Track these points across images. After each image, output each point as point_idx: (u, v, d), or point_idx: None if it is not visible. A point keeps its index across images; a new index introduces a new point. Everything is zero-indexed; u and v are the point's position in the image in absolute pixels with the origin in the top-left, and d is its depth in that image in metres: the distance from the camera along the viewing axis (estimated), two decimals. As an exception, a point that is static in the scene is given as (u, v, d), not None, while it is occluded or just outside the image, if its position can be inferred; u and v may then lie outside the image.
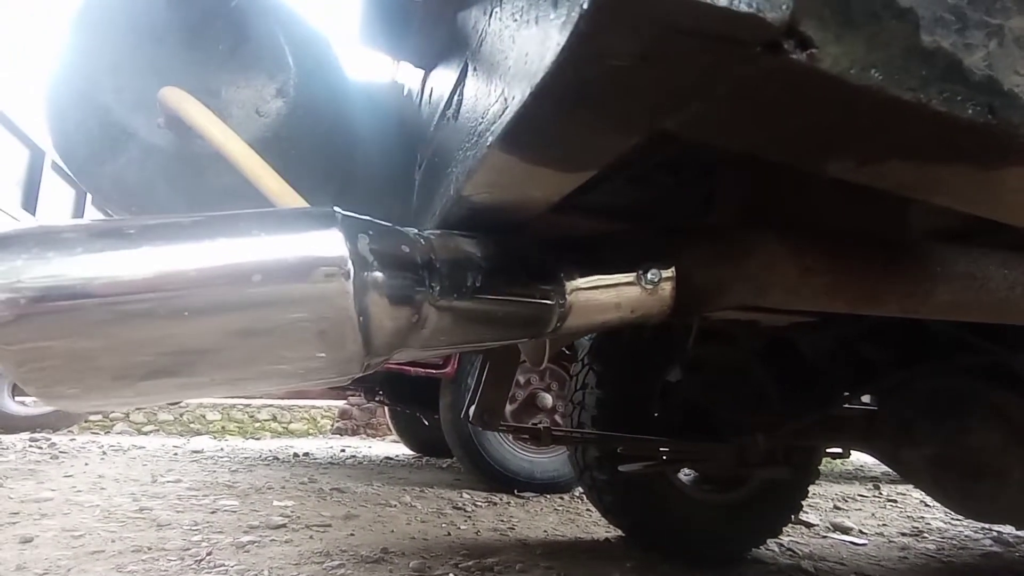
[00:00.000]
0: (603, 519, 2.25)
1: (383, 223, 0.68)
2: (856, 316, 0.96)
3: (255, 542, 1.95)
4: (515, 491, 3.22)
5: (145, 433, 7.35)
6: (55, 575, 1.57)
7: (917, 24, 0.48)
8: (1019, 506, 1.63)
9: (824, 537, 2.50)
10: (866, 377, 1.74)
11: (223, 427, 7.99)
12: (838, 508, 3.26)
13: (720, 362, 1.94)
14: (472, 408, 1.62)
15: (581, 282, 0.86)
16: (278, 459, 4.58)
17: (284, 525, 2.21)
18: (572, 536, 2.36)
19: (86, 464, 3.71)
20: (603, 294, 0.87)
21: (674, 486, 1.99)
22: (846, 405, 1.83)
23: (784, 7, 0.42)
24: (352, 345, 0.59)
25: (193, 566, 1.68)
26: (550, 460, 3.34)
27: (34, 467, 3.43)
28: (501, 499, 3.07)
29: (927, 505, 3.43)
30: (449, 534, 2.27)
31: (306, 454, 5.15)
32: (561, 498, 3.21)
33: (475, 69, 0.75)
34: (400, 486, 3.36)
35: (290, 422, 8.23)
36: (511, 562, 1.85)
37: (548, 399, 3.40)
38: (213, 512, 2.41)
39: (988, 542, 2.55)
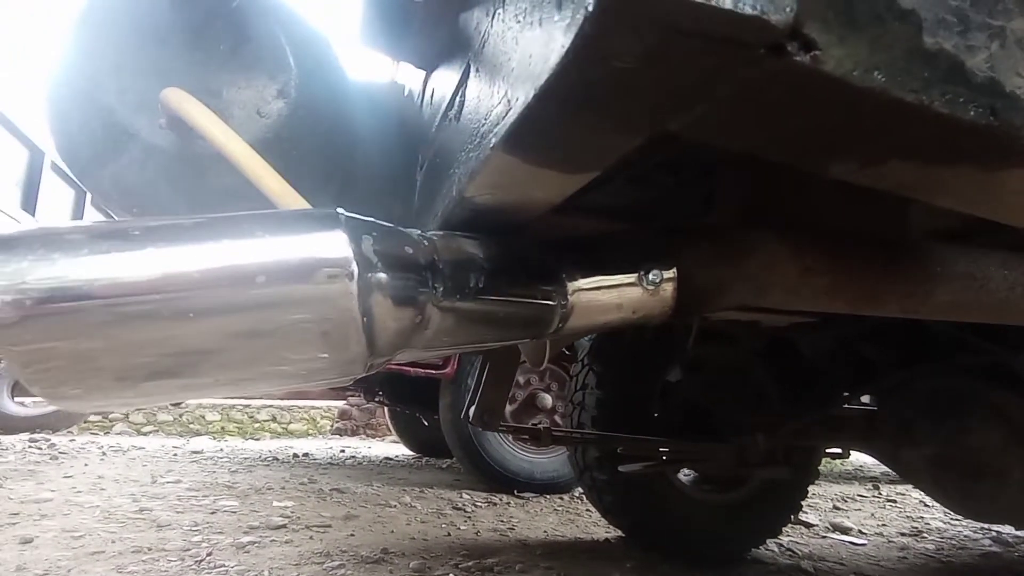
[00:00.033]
0: (603, 519, 2.26)
1: (386, 224, 0.68)
2: (856, 316, 0.96)
3: (255, 543, 1.95)
4: (515, 491, 3.23)
5: (144, 434, 7.34)
6: (55, 576, 1.57)
7: (920, 26, 0.49)
8: (1019, 506, 1.63)
9: (823, 537, 2.50)
10: (866, 377, 1.74)
11: (222, 428, 7.99)
12: (837, 508, 3.26)
13: (720, 362, 1.94)
14: (472, 408, 1.62)
15: (583, 283, 0.86)
16: (278, 460, 4.58)
17: (284, 526, 2.21)
18: (572, 536, 2.36)
19: (86, 465, 3.70)
20: (605, 295, 0.88)
21: (674, 486, 1.99)
22: (846, 405, 1.84)
23: (788, 9, 0.42)
24: (356, 346, 0.59)
25: (193, 567, 1.68)
26: (550, 460, 3.34)
27: (34, 468, 3.43)
28: (501, 499, 3.07)
29: (926, 505, 3.44)
30: (449, 534, 2.27)
31: (306, 454, 5.15)
32: (561, 498, 3.22)
33: (477, 70, 0.75)
34: (400, 486, 3.36)
35: (290, 423, 8.23)
36: (511, 562, 1.85)
37: (548, 399, 3.40)
38: (213, 513, 2.41)
39: (987, 542, 2.55)
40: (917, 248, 0.95)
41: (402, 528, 2.32)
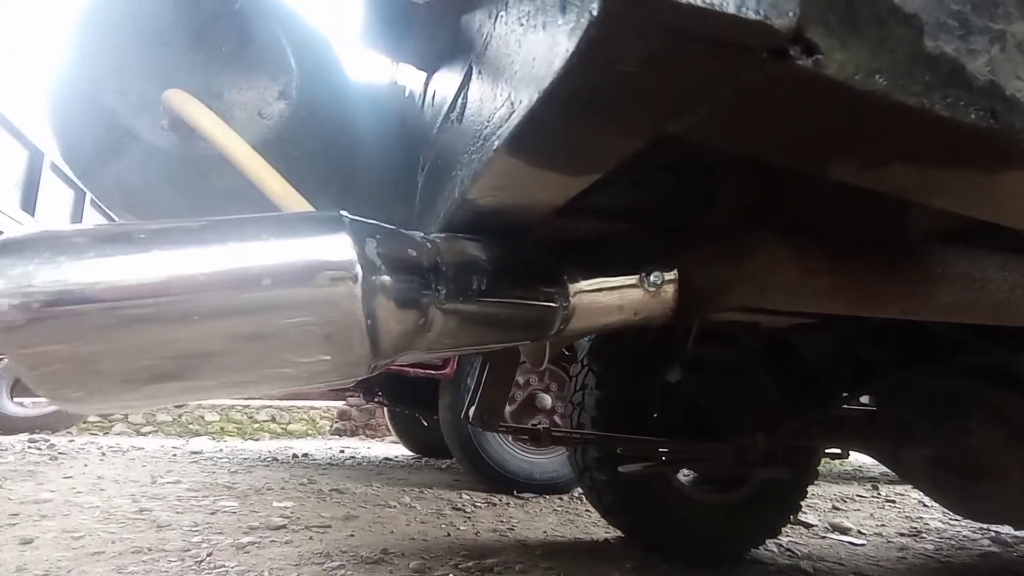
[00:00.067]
0: (603, 520, 2.26)
1: (389, 227, 0.69)
2: (856, 317, 0.96)
3: (255, 543, 1.95)
4: (514, 492, 3.23)
5: (144, 434, 7.34)
6: (56, 576, 1.57)
7: (921, 30, 0.49)
8: (1017, 506, 1.64)
9: (823, 537, 2.50)
10: (866, 378, 1.75)
11: (222, 428, 7.99)
12: (837, 508, 3.26)
13: (720, 362, 1.94)
14: (472, 409, 1.62)
15: (584, 284, 0.86)
16: (277, 460, 4.58)
17: (284, 526, 2.21)
18: (572, 537, 2.36)
19: (85, 465, 3.70)
20: (606, 296, 0.88)
21: (673, 487, 1.99)
22: (845, 406, 1.84)
23: (791, 14, 0.43)
24: (360, 348, 0.60)
25: (193, 567, 1.68)
26: (549, 461, 3.34)
27: (33, 468, 3.43)
28: (500, 500, 3.07)
29: (925, 505, 3.44)
30: (449, 535, 2.27)
31: (305, 455, 5.15)
32: (560, 499, 3.22)
33: (479, 72, 0.75)
34: (399, 487, 3.36)
35: (289, 423, 8.23)
36: (511, 563, 1.86)
37: (547, 400, 3.40)
38: (213, 513, 2.41)
39: (986, 542, 2.56)
40: (917, 249, 0.96)
41: (402, 528, 2.33)
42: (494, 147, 0.63)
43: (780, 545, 2.28)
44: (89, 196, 5.65)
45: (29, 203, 5.03)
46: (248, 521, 2.28)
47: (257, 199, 1.00)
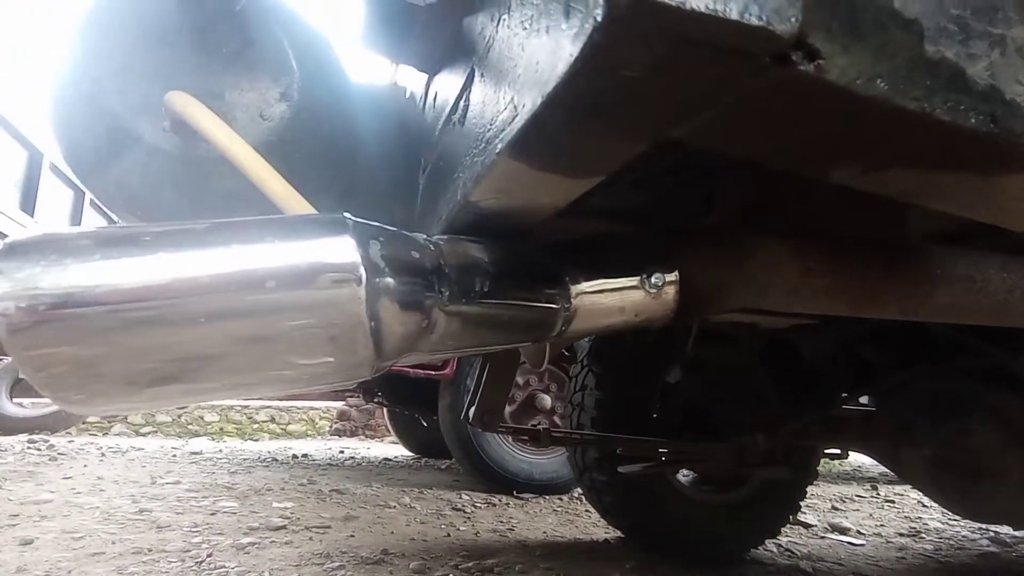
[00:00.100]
0: (602, 520, 2.26)
1: (392, 229, 0.69)
2: (856, 318, 0.97)
3: (255, 543, 1.95)
4: (514, 492, 3.23)
5: (143, 434, 7.33)
6: (57, 577, 1.57)
7: (922, 35, 0.49)
8: (1017, 507, 1.64)
9: (822, 537, 2.51)
10: (866, 378, 1.75)
11: (221, 428, 7.98)
12: (836, 509, 3.27)
13: (720, 363, 1.94)
14: (472, 409, 1.62)
15: (586, 286, 0.86)
16: (277, 460, 4.58)
17: (284, 527, 2.21)
18: (571, 537, 2.37)
19: (85, 466, 3.70)
20: (608, 298, 0.88)
21: (673, 487, 1.99)
22: (845, 406, 1.85)
23: (793, 20, 0.43)
24: (363, 350, 0.60)
25: (194, 567, 1.68)
26: (549, 461, 3.35)
27: (33, 469, 3.43)
28: (500, 500, 3.08)
29: (924, 505, 3.45)
30: (449, 535, 2.28)
31: (305, 455, 5.15)
32: (560, 499, 3.22)
33: (482, 75, 0.76)
34: (399, 487, 3.36)
35: (288, 423, 8.22)
36: (511, 563, 1.86)
37: (547, 400, 3.40)
38: (213, 514, 2.41)
39: (985, 542, 2.56)
40: (917, 250, 0.96)
41: (402, 529, 2.33)
42: (497, 150, 0.63)
43: (780, 545, 2.28)
44: (88, 197, 5.64)
45: (28, 204, 5.02)
46: (248, 522, 2.28)
47: (258, 201, 1.00)
